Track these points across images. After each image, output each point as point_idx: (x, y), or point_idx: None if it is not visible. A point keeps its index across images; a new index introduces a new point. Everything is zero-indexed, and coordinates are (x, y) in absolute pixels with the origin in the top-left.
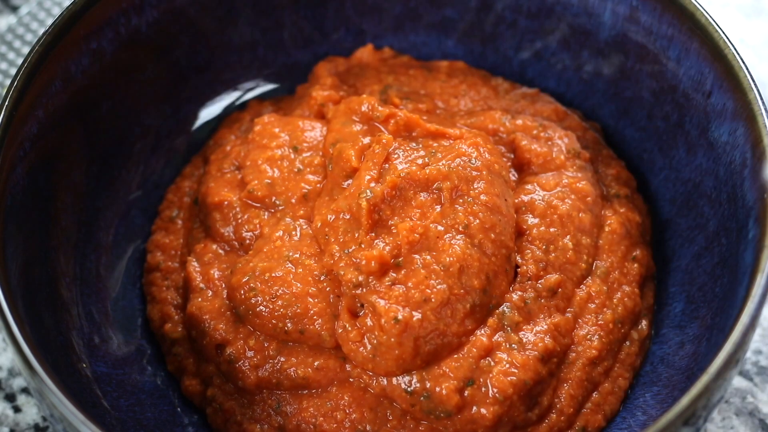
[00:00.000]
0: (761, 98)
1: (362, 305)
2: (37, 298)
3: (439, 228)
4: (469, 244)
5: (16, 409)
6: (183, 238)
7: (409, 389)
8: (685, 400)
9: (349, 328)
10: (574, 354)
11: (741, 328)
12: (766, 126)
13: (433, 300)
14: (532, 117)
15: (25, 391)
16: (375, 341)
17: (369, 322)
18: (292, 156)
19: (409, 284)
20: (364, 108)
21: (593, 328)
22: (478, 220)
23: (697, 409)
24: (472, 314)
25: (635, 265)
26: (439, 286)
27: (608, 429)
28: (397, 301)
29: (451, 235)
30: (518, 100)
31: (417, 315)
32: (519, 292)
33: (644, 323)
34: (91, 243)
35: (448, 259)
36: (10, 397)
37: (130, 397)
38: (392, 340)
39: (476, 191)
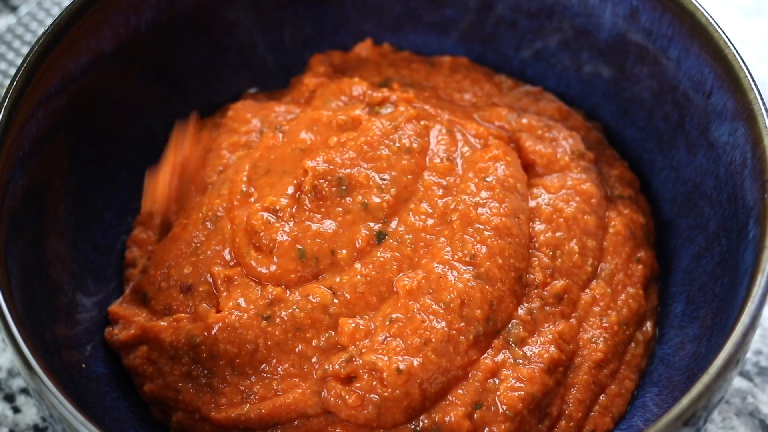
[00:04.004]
0: (761, 98)
1: (354, 377)
2: (37, 298)
3: (443, 270)
4: (473, 277)
5: (16, 410)
6: (157, 233)
7: (418, 428)
8: (685, 401)
9: (346, 396)
10: (579, 358)
11: (741, 328)
12: (766, 126)
13: (433, 340)
14: (537, 116)
15: (24, 391)
16: (378, 399)
17: (371, 382)
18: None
19: (407, 332)
20: (356, 92)
21: (598, 331)
22: (485, 248)
23: (697, 410)
24: (477, 344)
25: (640, 266)
26: (438, 326)
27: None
28: (396, 353)
29: (455, 272)
30: (521, 97)
31: (417, 360)
32: (525, 305)
33: (649, 324)
34: (90, 243)
35: (448, 296)
36: (10, 398)
37: (130, 397)
38: (397, 392)
39: (486, 216)
